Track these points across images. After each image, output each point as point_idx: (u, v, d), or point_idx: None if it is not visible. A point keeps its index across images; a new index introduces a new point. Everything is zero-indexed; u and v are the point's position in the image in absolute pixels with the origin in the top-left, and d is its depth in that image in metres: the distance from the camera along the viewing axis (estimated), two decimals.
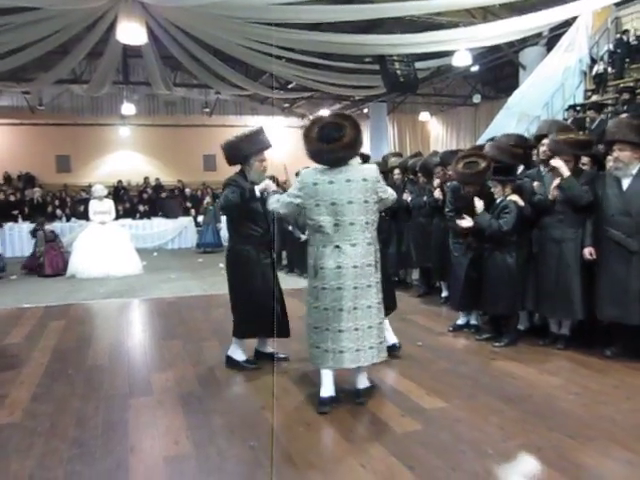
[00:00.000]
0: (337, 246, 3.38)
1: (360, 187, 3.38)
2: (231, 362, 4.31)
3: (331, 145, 3.34)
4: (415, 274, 7.58)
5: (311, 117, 3.80)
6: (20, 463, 2.90)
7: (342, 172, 3.39)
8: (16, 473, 2.80)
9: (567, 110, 9.67)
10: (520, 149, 5.09)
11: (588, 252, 4.37)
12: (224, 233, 12.19)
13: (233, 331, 4.28)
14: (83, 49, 10.78)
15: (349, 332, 3.37)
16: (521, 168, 5.24)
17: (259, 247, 4.10)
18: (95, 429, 3.31)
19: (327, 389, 3.48)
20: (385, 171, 7.58)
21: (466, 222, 4.75)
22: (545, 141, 4.83)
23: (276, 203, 3.62)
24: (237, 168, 4.22)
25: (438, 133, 19.81)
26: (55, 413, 3.55)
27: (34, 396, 3.86)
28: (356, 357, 3.40)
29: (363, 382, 3.64)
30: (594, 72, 10.09)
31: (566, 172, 4.37)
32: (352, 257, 3.38)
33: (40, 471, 2.82)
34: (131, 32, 8.66)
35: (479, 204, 4.70)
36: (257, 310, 4.06)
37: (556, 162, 4.42)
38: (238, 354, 4.30)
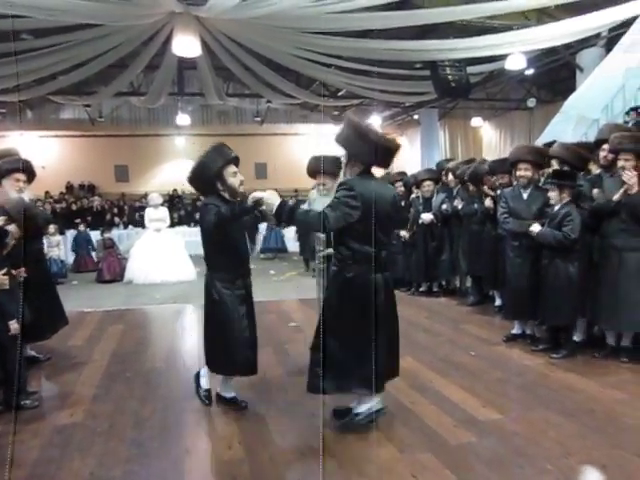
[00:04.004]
0: None
1: None
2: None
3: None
4: (468, 282, 7.44)
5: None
6: (82, 461, 3.01)
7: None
8: (78, 471, 2.91)
9: (628, 113, 9.28)
10: (587, 153, 4.93)
11: None
12: (289, 238, 12.36)
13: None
14: (141, 62, 11.19)
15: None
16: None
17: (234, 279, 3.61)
18: (152, 430, 3.41)
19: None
20: (436, 178, 7.57)
21: (536, 227, 4.61)
22: (605, 146, 4.65)
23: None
24: None
25: (491, 139, 19.38)
26: (114, 414, 3.67)
27: (94, 397, 4.01)
28: None
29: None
30: None
31: (634, 189, 4.19)
32: None
33: (100, 470, 2.92)
34: (186, 45, 8.94)
35: (534, 226, 4.59)
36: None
37: (628, 177, 4.20)
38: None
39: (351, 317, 3.20)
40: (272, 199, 3.17)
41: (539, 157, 4.96)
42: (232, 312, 3.57)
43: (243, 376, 3.76)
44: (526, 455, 2.94)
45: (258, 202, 3.26)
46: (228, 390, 3.81)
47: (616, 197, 4.29)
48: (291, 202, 3.74)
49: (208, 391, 3.87)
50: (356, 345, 3.20)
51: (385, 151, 3.24)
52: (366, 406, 3.33)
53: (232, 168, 3.59)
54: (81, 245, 11.58)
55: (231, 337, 3.58)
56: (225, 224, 3.41)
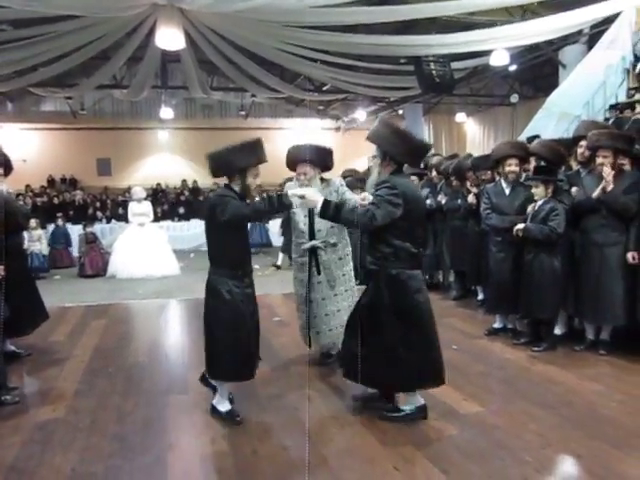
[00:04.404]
0: None
1: None
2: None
3: None
4: (451, 276, 7.50)
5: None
6: (63, 457, 3.00)
7: None
8: (59, 467, 2.90)
9: (608, 110, 9.40)
10: (565, 149, 4.99)
11: (631, 256, 4.25)
12: (273, 233, 12.34)
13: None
14: (123, 55, 11.05)
15: None
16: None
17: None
18: (134, 425, 3.40)
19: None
20: (420, 173, 7.59)
21: (520, 225, 4.65)
22: (583, 143, 4.72)
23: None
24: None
25: (475, 134, 19.53)
26: (96, 409, 3.66)
27: (77, 392, 3.98)
28: None
29: None
30: (637, 70, 9.77)
31: (610, 186, 4.26)
32: None
33: (82, 465, 2.91)
34: (170, 37, 8.83)
35: (520, 225, 4.63)
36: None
37: (606, 172, 4.28)
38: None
39: (399, 315, 3.26)
40: (315, 197, 3.25)
41: (524, 152, 5.02)
42: (245, 312, 3.37)
43: (246, 380, 3.50)
44: (506, 447, 2.99)
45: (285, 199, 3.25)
46: (224, 402, 3.53)
47: (595, 194, 4.36)
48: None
49: (231, 411, 3.50)
50: (407, 343, 3.24)
51: (420, 151, 3.47)
52: (411, 403, 3.42)
53: (257, 170, 3.48)
54: (58, 240, 11.41)
55: (244, 339, 3.34)
56: (245, 221, 3.46)
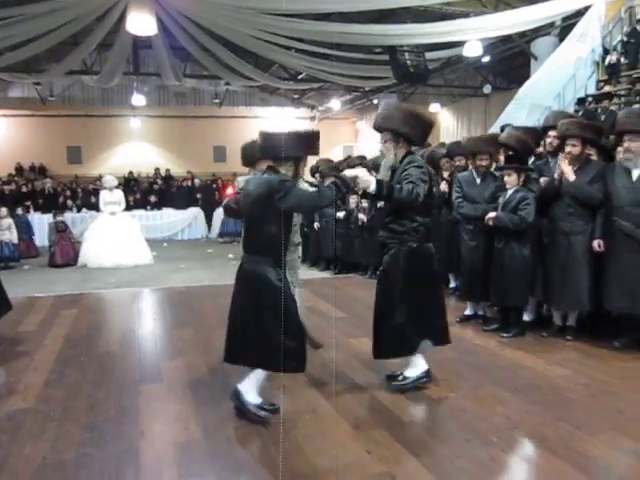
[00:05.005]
0: None
1: None
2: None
3: None
4: None
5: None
6: (34, 446, 2.96)
7: None
8: (29, 456, 2.86)
9: (578, 103, 9.59)
10: (532, 140, 5.08)
11: (597, 244, 4.37)
12: None
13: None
14: (94, 40, 10.81)
15: None
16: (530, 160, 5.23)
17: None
18: (106, 414, 3.38)
19: None
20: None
21: (492, 213, 4.70)
22: (552, 133, 4.82)
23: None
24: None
25: (448, 124, 19.67)
26: (68, 398, 3.62)
27: (47, 382, 3.93)
28: None
29: None
30: (607, 62, 9.98)
31: (572, 177, 4.38)
32: None
33: (53, 454, 2.88)
34: (141, 23, 8.68)
35: (491, 214, 4.70)
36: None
37: (564, 166, 4.40)
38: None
39: (417, 283, 3.51)
40: (368, 177, 3.33)
41: (495, 148, 5.08)
42: (294, 300, 3.30)
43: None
44: (474, 429, 3.06)
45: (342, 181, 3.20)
46: (256, 396, 3.31)
47: (556, 175, 4.47)
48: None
49: (260, 405, 3.29)
50: (422, 308, 3.54)
51: (431, 129, 3.66)
52: (415, 371, 3.64)
53: (306, 160, 3.45)
54: (21, 230, 11.11)
55: (300, 326, 3.25)
56: (314, 210, 3.46)
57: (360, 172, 3.36)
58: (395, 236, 3.53)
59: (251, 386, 3.28)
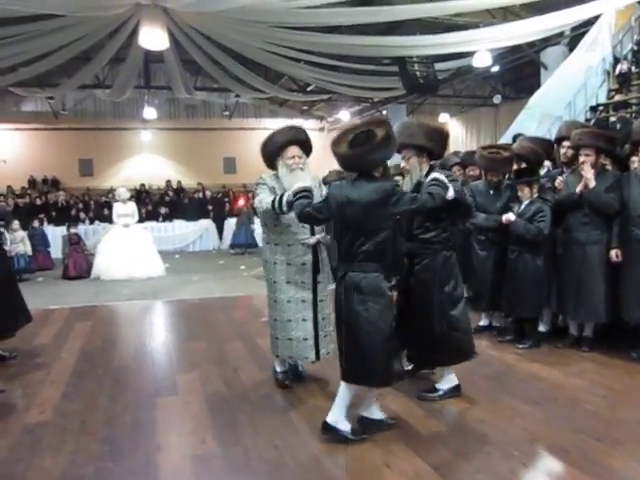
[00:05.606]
0: None
1: None
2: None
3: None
4: None
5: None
6: (53, 460, 2.97)
7: None
8: (49, 469, 2.88)
9: (589, 111, 9.57)
10: (543, 148, 5.06)
11: (615, 254, 4.33)
12: (258, 233, 12.27)
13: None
14: (106, 55, 10.96)
15: None
16: (544, 170, 5.21)
17: None
18: (123, 427, 3.38)
19: None
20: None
21: (511, 215, 4.68)
22: (565, 143, 4.80)
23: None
24: None
25: (458, 134, 19.69)
26: (85, 411, 3.63)
27: (64, 395, 3.95)
28: None
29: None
30: (617, 71, 9.95)
31: (592, 183, 4.34)
32: None
33: (72, 468, 2.89)
34: (153, 37, 8.78)
35: (511, 216, 4.67)
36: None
37: (587, 171, 4.36)
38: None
39: (450, 291, 3.59)
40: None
41: (507, 168, 5.02)
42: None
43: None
44: (493, 442, 3.04)
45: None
46: (375, 409, 3.26)
47: (578, 189, 4.43)
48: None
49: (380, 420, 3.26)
50: (454, 317, 3.59)
51: (447, 141, 3.77)
52: (448, 383, 3.69)
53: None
54: (38, 242, 11.21)
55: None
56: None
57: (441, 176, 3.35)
58: (429, 246, 3.59)
59: (370, 407, 3.21)
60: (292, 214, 3.49)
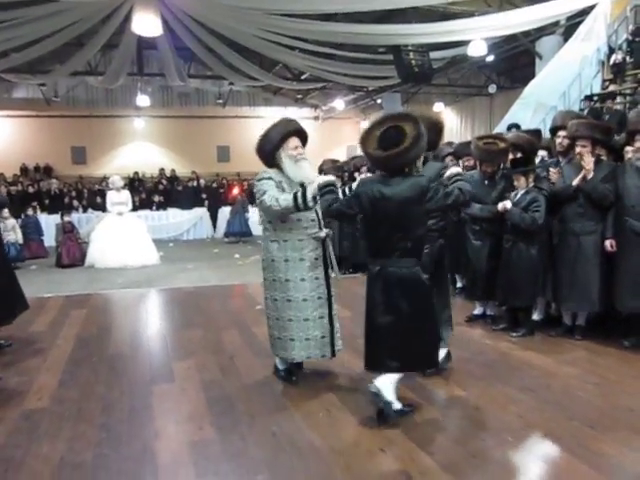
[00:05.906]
0: None
1: None
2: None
3: None
4: None
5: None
6: (51, 446, 2.99)
7: None
8: (47, 455, 2.89)
9: (583, 100, 9.57)
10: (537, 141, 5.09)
11: (609, 244, 4.37)
12: (253, 222, 12.26)
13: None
14: (99, 41, 10.84)
15: None
16: (538, 159, 5.24)
17: None
18: (120, 414, 3.40)
19: None
20: None
21: (508, 203, 4.68)
22: (561, 133, 4.81)
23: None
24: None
25: (452, 124, 19.66)
26: (81, 399, 3.64)
27: (60, 382, 3.96)
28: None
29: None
30: (612, 61, 9.95)
31: (591, 174, 4.36)
32: None
33: (70, 454, 2.90)
34: (146, 24, 8.71)
35: (507, 203, 4.69)
36: None
37: (587, 160, 4.36)
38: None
39: (441, 277, 3.87)
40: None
41: (502, 159, 5.02)
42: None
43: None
44: (488, 428, 3.08)
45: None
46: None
47: (575, 182, 4.45)
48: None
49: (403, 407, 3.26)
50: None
51: (442, 132, 3.84)
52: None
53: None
54: (31, 230, 11.16)
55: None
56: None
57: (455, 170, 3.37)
58: (429, 234, 3.56)
59: (394, 395, 3.19)
60: None
